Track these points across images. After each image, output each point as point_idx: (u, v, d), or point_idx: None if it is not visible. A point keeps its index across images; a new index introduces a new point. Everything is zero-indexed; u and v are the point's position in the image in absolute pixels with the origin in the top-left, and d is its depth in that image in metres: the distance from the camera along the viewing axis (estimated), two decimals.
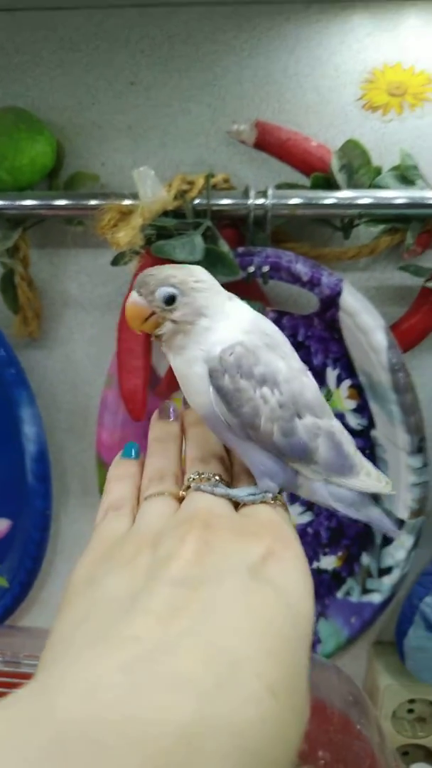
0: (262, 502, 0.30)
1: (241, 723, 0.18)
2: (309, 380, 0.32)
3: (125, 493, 0.32)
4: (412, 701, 0.74)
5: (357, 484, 0.33)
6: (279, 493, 0.31)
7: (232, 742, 0.17)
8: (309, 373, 0.33)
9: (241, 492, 0.30)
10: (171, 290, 0.32)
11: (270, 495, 0.30)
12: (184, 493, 0.30)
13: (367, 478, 0.33)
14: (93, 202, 0.58)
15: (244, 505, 0.30)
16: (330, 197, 0.57)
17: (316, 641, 0.73)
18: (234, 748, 0.17)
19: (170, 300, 0.32)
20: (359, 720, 0.63)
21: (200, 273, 0.33)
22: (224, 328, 0.32)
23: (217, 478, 0.31)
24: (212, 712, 0.18)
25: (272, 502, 0.30)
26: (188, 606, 0.21)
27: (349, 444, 0.33)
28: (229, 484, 0.32)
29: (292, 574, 0.24)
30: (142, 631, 0.20)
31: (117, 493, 0.32)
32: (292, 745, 0.19)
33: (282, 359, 0.31)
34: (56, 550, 0.77)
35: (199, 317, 0.32)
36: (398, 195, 0.57)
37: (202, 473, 0.31)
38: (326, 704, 0.64)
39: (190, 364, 0.32)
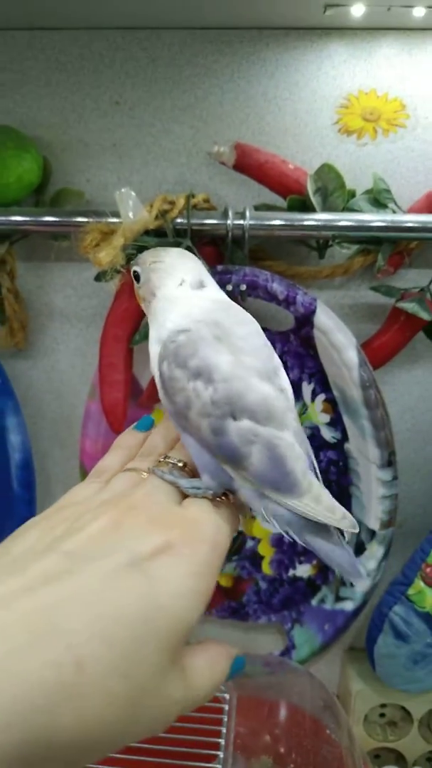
0: (204, 497, 0.29)
1: (36, 683, 0.20)
2: (263, 385, 0.30)
3: (113, 462, 0.34)
4: (383, 706, 0.76)
5: (297, 506, 0.29)
6: (225, 494, 0.31)
7: (24, 697, 0.19)
8: (278, 379, 0.32)
9: (187, 483, 0.30)
10: (135, 268, 0.35)
11: (211, 492, 0.30)
12: (145, 474, 0.31)
13: (314, 503, 0.29)
14: (78, 219, 0.60)
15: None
16: (306, 219, 0.59)
17: (290, 647, 0.75)
18: (24, 705, 0.19)
19: (137, 277, 0.35)
20: (330, 724, 0.64)
21: (166, 255, 0.34)
22: (177, 313, 0.32)
23: (181, 464, 0.32)
24: (14, 667, 0.20)
25: (216, 499, 0.30)
26: (58, 576, 0.23)
27: (296, 462, 0.30)
28: (192, 473, 0.32)
29: (177, 572, 0.25)
30: (4, 586, 0.22)
31: (106, 461, 0.34)
32: (90, 724, 0.21)
33: (230, 355, 0.30)
34: None
35: (152, 297, 0.34)
36: (371, 218, 0.59)
37: (168, 458, 0.32)
38: (298, 709, 0.66)
39: (151, 342, 0.33)
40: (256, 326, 0.34)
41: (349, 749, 0.62)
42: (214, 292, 0.34)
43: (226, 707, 0.60)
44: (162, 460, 0.32)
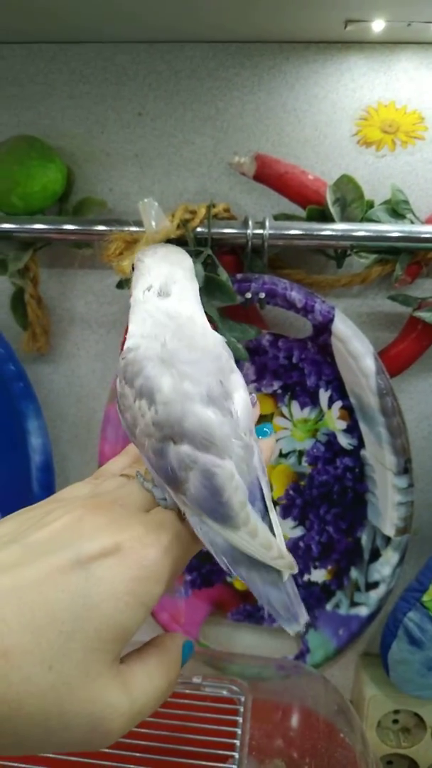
0: (172, 509, 0.29)
1: None
2: (204, 410, 0.29)
3: (116, 466, 0.35)
4: (396, 712, 0.76)
5: (232, 537, 0.28)
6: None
7: None
8: (228, 403, 0.30)
9: (159, 493, 0.30)
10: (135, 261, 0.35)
11: (177, 508, 0.29)
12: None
13: (249, 537, 0.28)
14: (100, 228, 0.62)
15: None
16: (324, 229, 0.60)
17: (305, 651, 0.75)
18: None
19: (132, 268, 0.36)
20: (344, 729, 0.65)
21: (149, 254, 0.34)
22: (134, 322, 0.33)
23: None
24: None
25: (179, 512, 0.29)
26: (9, 567, 0.24)
27: (233, 492, 0.28)
28: None
29: (117, 575, 0.25)
30: None
31: (110, 465, 0.36)
32: (13, 710, 0.22)
33: (172, 378, 0.30)
34: None
35: (131, 296, 0.34)
36: (389, 228, 0.60)
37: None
38: (312, 712, 0.66)
39: None
40: (215, 349, 0.32)
41: (362, 754, 0.63)
42: (175, 304, 0.33)
43: (241, 708, 0.61)
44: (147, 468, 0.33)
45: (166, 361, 0.30)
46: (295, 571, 0.28)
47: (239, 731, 0.59)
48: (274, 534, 0.29)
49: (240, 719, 0.60)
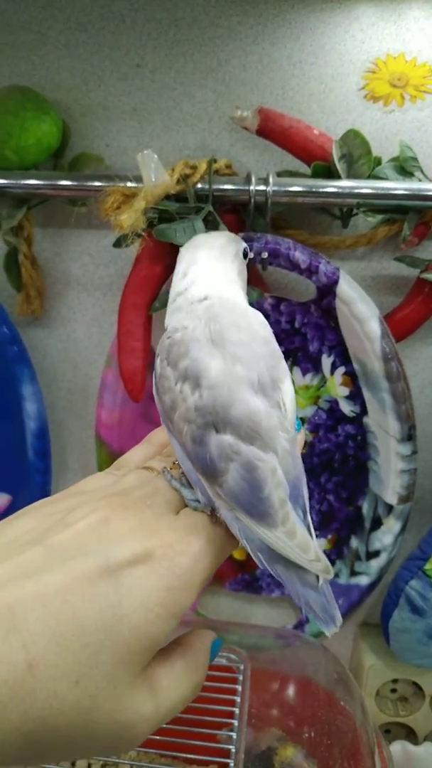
0: (203, 511, 0.28)
1: None
2: (254, 398, 0.28)
3: (137, 456, 0.33)
4: (395, 681, 0.76)
5: (267, 536, 0.27)
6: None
7: None
8: (277, 393, 0.29)
9: (189, 494, 0.29)
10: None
11: (209, 508, 0.28)
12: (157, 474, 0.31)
13: (286, 537, 0.27)
14: (97, 184, 0.59)
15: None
16: (330, 186, 0.58)
17: (304, 621, 0.75)
18: None
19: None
20: (343, 697, 0.64)
21: (197, 237, 0.35)
22: (180, 305, 0.32)
23: None
24: None
25: (215, 516, 0.28)
26: (32, 572, 0.23)
27: (275, 488, 0.27)
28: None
29: (148, 584, 0.24)
30: None
31: (130, 454, 0.34)
32: (37, 725, 0.21)
33: (222, 360, 0.28)
34: None
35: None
36: (397, 186, 0.58)
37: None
38: (311, 681, 0.66)
39: None
40: (263, 331, 0.31)
41: (362, 722, 0.62)
42: (218, 290, 0.33)
43: (241, 677, 0.61)
44: (176, 462, 0.31)
45: (217, 342, 0.28)
46: (332, 575, 0.27)
47: (239, 699, 0.58)
48: (312, 535, 0.27)
49: (239, 687, 0.59)
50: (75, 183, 0.60)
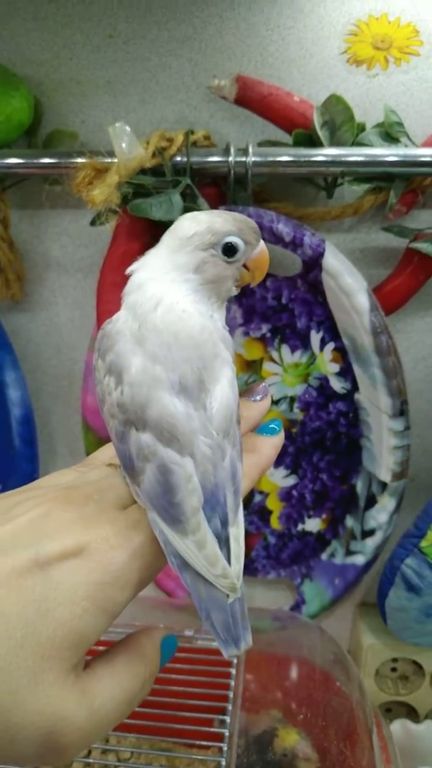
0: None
1: None
2: (172, 400, 0.26)
3: (104, 455, 0.33)
4: (395, 660, 0.75)
5: (178, 543, 0.25)
6: None
7: None
8: (206, 396, 0.27)
9: (135, 489, 0.27)
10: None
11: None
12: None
13: (195, 548, 0.25)
14: (74, 161, 0.57)
15: None
16: (313, 155, 0.56)
17: (300, 602, 0.74)
18: None
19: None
20: (340, 678, 0.64)
21: (182, 217, 0.30)
22: (129, 293, 0.29)
23: None
24: None
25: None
26: None
27: (188, 495, 0.25)
28: None
29: (78, 579, 0.23)
30: None
31: (100, 453, 0.33)
32: None
33: (143, 358, 0.27)
34: None
35: None
36: (382, 153, 0.56)
37: None
38: (308, 663, 0.65)
39: None
40: (198, 336, 0.28)
41: (359, 702, 0.62)
42: (139, 279, 0.30)
43: (235, 661, 0.60)
44: None
45: (139, 339, 0.27)
46: (238, 595, 0.26)
47: (233, 683, 0.57)
48: (229, 549, 0.26)
49: (233, 671, 0.59)
50: (52, 161, 0.58)
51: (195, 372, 0.27)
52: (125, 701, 0.25)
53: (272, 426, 0.31)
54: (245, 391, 0.32)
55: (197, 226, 0.29)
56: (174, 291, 0.29)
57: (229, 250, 0.29)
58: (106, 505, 0.27)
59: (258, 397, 0.32)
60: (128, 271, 0.30)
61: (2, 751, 0.22)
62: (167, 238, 0.30)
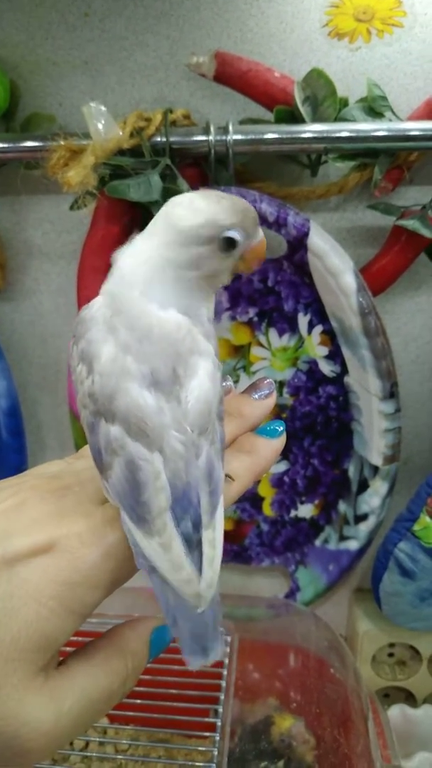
0: None
1: None
2: (142, 392, 0.25)
3: None
4: (392, 645, 0.74)
5: (143, 544, 0.23)
6: None
7: None
8: (179, 390, 0.25)
9: None
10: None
11: None
12: None
13: (161, 550, 0.23)
14: (54, 144, 0.55)
15: None
16: (295, 131, 0.54)
17: (294, 589, 0.73)
18: None
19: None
20: (334, 665, 0.63)
21: (176, 198, 0.27)
22: (109, 281, 0.27)
23: None
24: None
25: None
26: None
27: (155, 493, 0.24)
28: None
29: (46, 577, 0.22)
30: None
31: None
32: None
33: (115, 348, 0.25)
34: None
35: None
36: (367, 127, 0.54)
37: None
38: (302, 650, 0.64)
39: None
40: (169, 328, 0.26)
41: (354, 688, 0.61)
42: (123, 268, 0.27)
43: (227, 649, 0.59)
44: None
45: (114, 328, 0.25)
46: (203, 607, 0.23)
47: (225, 672, 0.57)
48: (201, 554, 0.24)
49: (226, 660, 0.58)
50: (30, 144, 0.57)
51: (168, 365, 0.25)
52: (101, 700, 0.24)
53: (273, 428, 0.29)
54: (249, 387, 0.30)
55: (195, 217, 0.26)
56: (158, 285, 0.27)
57: (229, 244, 0.27)
58: (84, 498, 0.25)
59: (261, 394, 0.30)
60: (114, 257, 0.28)
61: None
62: (160, 224, 0.27)
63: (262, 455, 0.28)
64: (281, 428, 0.29)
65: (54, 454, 0.76)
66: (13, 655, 0.21)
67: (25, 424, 0.70)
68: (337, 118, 0.55)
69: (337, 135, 0.54)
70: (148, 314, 0.26)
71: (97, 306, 0.26)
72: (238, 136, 0.54)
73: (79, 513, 0.24)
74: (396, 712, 0.72)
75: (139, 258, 0.27)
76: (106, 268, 0.50)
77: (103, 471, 0.25)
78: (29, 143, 0.57)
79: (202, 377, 0.26)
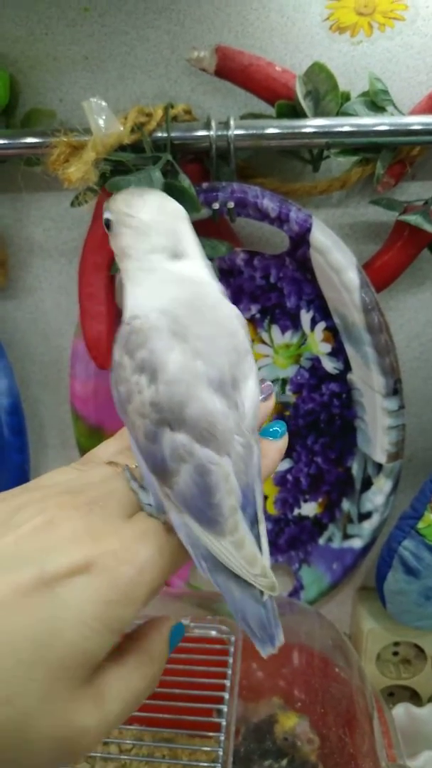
0: (156, 517, 0.26)
1: None
2: (212, 398, 0.26)
3: (107, 451, 0.31)
4: (396, 644, 0.74)
5: (213, 545, 0.25)
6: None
7: None
8: (237, 394, 0.26)
9: (144, 498, 0.27)
10: (107, 215, 0.29)
11: (164, 517, 0.26)
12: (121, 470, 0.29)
13: (233, 548, 0.25)
14: (55, 140, 0.55)
15: None
16: (296, 126, 0.54)
17: (298, 588, 0.72)
18: None
19: (107, 225, 0.30)
20: (339, 663, 0.63)
21: (142, 209, 0.28)
22: (143, 288, 0.28)
23: None
24: None
25: (165, 521, 0.26)
26: None
27: (226, 495, 0.25)
28: None
29: (87, 597, 0.23)
30: None
31: (101, 449, 0.32)
32: None
33: (182, 355, 0.26)
34: None
35: (123, 257, 0.29)
36: (369, 122, 0.54)
37: None
38: (306, 649, 0.64)
39: (125, 310, 0.29)
40: (231, 323, 0.28)
41: (359, 687, 0.61)
42: (191, 267, 0.29)
43: (232, 649, 0.59)
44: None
45: (178, 333, 0.26)
46: (277, 593, 0.25)
47: (229, 671, 0.56)
48: (261, 548, 0.25)
49: (230, 659, 0.57)
50: (31, 141, 0.56)
51: (232, 368, 0.26)
52: (135, 701, 0.25)
53: (275, 429, 0.30)
54: None
55: (179, 205, 0.30)
56: (206, 273, 0.29)
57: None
58: (111, 513, 0.26)
59: (261, 398, 0.30)
60: (165, 262, 0.29)
61: (19, 764, 0.22)
62: (185, 226, 0.29)
63: (270, 457, 0.28)
64: (282, 429, 0.30)
65: (56, 453, 0.75)
66: (60, 674, 0.22)
67: (27, 422, 0.70)
68: (339, 113, 0.54)
69: (339, 130, 0.54)
70: (219, 306, 0.28)
71: (155, 316, 0.27)
72: (240, 131, 0.53)
73: (109, 530, 0.25)
74: (401, 710, 0.71)
75: (199, 255, 0.30)
76: (107, 264, 0.50)
77: (167, 479, 0.25)
78: (30, 139, 0.56)
79: (252, 380, 0.27)
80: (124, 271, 0.29)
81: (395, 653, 0.75)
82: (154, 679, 0.26)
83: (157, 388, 0.25)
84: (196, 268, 0.29)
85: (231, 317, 0.28)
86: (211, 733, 0.53)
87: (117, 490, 0.27)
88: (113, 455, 0.30)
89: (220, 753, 0.50)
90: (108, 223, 0.29)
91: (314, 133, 0.53)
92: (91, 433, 0.68)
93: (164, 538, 0.25)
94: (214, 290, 0.29)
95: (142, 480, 0.27)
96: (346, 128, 0.54)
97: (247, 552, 0.25)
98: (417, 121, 0.54)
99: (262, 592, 0.25)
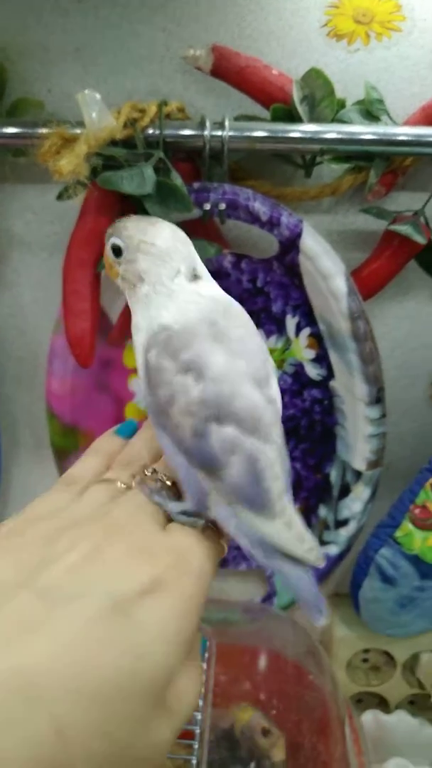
0: (189, 524, 0.28)
1: (18, 760, 0.18)
2: (254, 392, 0.28)
3: (87, 470, 0.31)
4: (366, 651, 0.74)
5: (266, 528, 0.27)
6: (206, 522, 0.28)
7: None
8: (269, 389, 0.29)
9: (176, 507, 0.28)
10: (117, 241, 0.31)
11: (201, 522, 0.28)
12: (123, 487, 0.29)
13: (285, 529, 0.27)
14: (41, 131, 0.53)
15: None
16: (291, 130, 0.53)
17: (272, 593, 0.72)
18: None
19: (117, 251, 0.31)
20: (312, 670, 0.62)
21: (158, 236, 0.30)
22: (174, 309, 0.29)
23: (170, 483, 0.30)
24: None
25: (201, 528, 0.28)
26: (34, 625, 0.20)
27: (273, 480, 0.27)
28: (179, 493, 0.30)
29: (162, 615, 0.23)
30: None
31: (79, 468, 0.32)
32: None
33: (225, 355, 0.28)
34: (7, 504, 0.75)
35: (139, 281, 0.30)
36: (362, 130, 0.54)
37: (156, 472, 0.30)
38: (280, 655, 0.64)
39: (137, 329, 0.31)
40: (252, 328, 0.31)
41: (332, 694, 0.61)
42: (209, 287, 0.31)
43: (206, 655, 0.58)
44: (148, 474, 0.30)
45: (218, 338, 0.28)
46: (323, 564, 0.28)
47: (203, 677, 0.56)
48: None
49: (204, 665, 0.57)
50: (17, 130, 0.54)
51: (264, 364, 0.29)
52: (195, 703, 0.25)
53: None
54: None
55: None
56: (224, 295, 0.31)
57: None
58: (149, 530, 0.26)
59: None
60: (186, 284, 0.30)
61: None
62: (193, 257, 0.31)
63: None
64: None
65: (29, 453, 0.74)
66: (150, 699, 0.22)
67: (0, 420, 0.68)
68: (334, 120, 0.54)
69: (333, 136, 0.54)
70: (242, 313, 0.31)
71: (190, 325, 0.28)
72: (234, 133, 0.53)
73: (155, 546, 0.25)
74: (369, 717, 0.72)
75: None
76: (94, 261, 0.50)
77: (217, 472, 0.27)
78: (16, 129, 0.55)
79: (275, 377, 0.30)
80: (140, 294, 0.30)
81: (365, 660, 0.75)
82: (200, 684, 0.27)
83: (205, 386, 0.27)
84: (213, 288, 0.31)
85: (252, 323, 0.31)
86: (184, 741, 0.52)
87: (141, 505, 0.27)
88: (98, 473, 0.31)
89: (194, 762, 0.49)
90: (118, 248, 0.31)
91: (308, 138, 0.53)
92: (66, 432, 0.67)
93: (204, 543, 0.27)
94: (235, 303, 0.31)
95: (179, 485, 0.29)
96: (340, 135, 0.53)
97: (296, 531, 0.27)
98: (408, 132, 0.54)
99: (306, 568, 0.28)
